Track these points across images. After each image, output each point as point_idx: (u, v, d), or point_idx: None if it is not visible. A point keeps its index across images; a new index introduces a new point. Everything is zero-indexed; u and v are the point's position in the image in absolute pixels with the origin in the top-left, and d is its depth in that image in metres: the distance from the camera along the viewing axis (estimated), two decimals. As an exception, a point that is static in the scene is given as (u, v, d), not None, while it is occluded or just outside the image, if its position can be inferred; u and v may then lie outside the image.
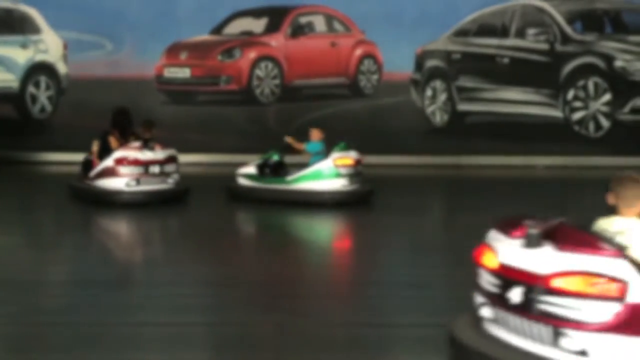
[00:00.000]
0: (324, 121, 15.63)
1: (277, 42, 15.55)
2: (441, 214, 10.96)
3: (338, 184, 9.96)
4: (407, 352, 4.84)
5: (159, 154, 10.14)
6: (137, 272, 6.95)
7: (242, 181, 10.46)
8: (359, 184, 10.16)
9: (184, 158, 15.20)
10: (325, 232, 9.32)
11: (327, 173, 9.87)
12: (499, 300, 3.58)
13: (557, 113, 15.20)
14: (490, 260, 3.72)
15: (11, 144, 15.19)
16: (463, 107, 15.55)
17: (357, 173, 10.16)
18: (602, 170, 14.77)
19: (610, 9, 15.45)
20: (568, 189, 12.98)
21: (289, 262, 7.30)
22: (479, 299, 3.80)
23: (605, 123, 15.13)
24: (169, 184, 10.09)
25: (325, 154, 10.25)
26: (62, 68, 15.66)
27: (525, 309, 3.38)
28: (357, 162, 10.14)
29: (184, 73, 15.54)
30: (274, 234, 9.09)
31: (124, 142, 10.27)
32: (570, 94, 15.07)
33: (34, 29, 15.58)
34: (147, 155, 9.97)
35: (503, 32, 15.36)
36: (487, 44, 15.43)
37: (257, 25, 15.78)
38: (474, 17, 15.46)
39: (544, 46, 15.13)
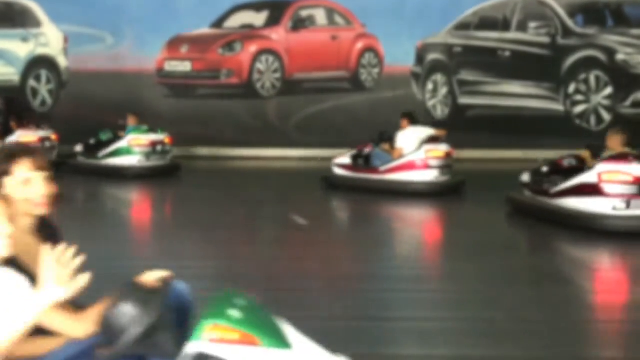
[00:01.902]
0: (325, 114, 15.69)
1: (278, 35, 15.53)
2: (441, 208, 10.95)
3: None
4: (409, 345, 4.85)
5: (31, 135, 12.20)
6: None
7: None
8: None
9: (186, 151, 15.28)
10: (322, 225, 9.33)
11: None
12: None
13: (558, 106, 15.19)
14: None
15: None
16: (464, 100, 15.54)
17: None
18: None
19: (611, 2, 15.42)
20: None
21: (289, 257, 7.30)
22: None
23: (606, 116, 15.12)
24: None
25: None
26: (62, 61, 15.65)
27: None
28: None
29: (185, 66, 15.53)
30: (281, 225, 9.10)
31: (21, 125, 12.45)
32: (572, 88, 15.06)
33: (35, 23, 15.57)
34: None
35: (504, 26, 15.33)
36: (489, 38, 15.41)
37: (258, 18, 15.77)
38: (475, 11, 15.44)
39: (546, 39, 15.11)
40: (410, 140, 10.42)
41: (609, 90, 14.96)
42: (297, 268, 6.61)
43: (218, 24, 15.75)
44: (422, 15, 15.50)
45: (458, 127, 15.57)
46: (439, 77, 15.63)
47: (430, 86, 15.66)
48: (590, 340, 5.03)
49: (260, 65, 15.48)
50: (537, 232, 8.25)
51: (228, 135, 15.47)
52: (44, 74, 15.64)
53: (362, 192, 10.44)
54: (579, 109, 15.16)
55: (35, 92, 15.62)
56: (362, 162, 10.74)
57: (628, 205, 7.49)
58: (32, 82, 15.61)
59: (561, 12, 15.09)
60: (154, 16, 15.55)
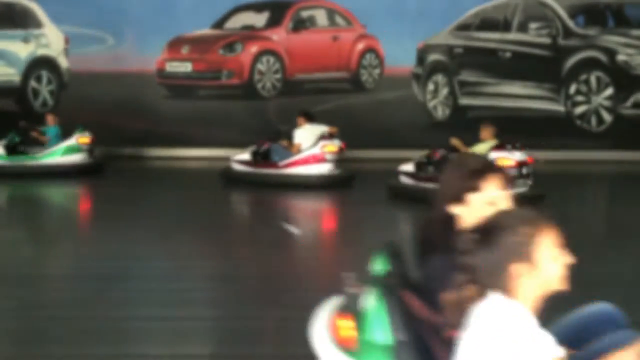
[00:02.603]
0: (326, 115, 15.68)
1: (279, 36, 15.53)
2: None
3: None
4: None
5: None
6: (137, 265, 6.94)
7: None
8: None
9: (186, 152, 15.28)
10: (322, 225, 9.32)
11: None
12: None
13: (559, 107, 15.18)
14: None
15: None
16: (465, 101, 15.53)
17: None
18: (604, 165, 14.78)
19: (612, 2, 15.42)
20: (569, 183, 12.95)
21: (290, 255, 7.30)
22: None
23: (607, 117, 15.11)
24: None
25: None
26: (63, 62, 15.65)
27: None
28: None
29: (186, 67, 15.53)
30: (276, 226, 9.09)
31: None
32: (573, 88, 15.05)
33: (36, 23, 15.57)
34: None
35: (505, 26, 15.33)
36: (489, 38, 15.41)
37: (259, 19, 15.76)
38: (476, 11, 15.44)
39: (546, 40, 15.10)
40: (307, 136, 11.15)
41: (609, 91, 14.95)
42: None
43: (219, 24, 15.75)
44: (422, 16, 15.49)
45: (459, 127, 15.56)
46: (439, 78, 15.63)
47: (431, 87, 15.65)
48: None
49: (261, 66, 15.48)
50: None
51: (228, 136, 15.45)
52: (44, 74, 15.64)
53: (262, 186, 11.04)
54: (579, 109, 15.16)
55: (36, 93, 15.62)
56: (260, 157, 11.35)
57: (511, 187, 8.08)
58: (33, 83, 15.61)
59: (562, 13, 15.09)
60: (154, 17, 15.55)
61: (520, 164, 9.24)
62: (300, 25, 15.66)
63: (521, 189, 9.07)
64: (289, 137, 11.45)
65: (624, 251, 7.57)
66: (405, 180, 10.16)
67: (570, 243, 6.95)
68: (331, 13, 15.80)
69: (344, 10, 15.73)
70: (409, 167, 10.11)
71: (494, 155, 9.05)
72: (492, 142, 9.71)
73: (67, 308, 5.48)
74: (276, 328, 5.26)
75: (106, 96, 15.38)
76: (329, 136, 11.19)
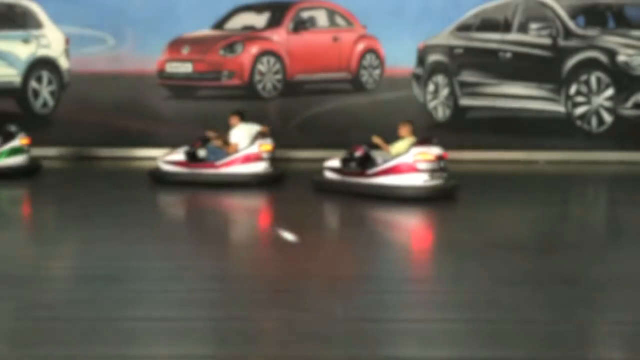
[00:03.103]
0: (326, 116, 15.68)
1: (279, 37, 15.53)
2: (443, 209, 10.95)
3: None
4: (409, 347, 4.84)
5: None
6: (136, 266, 6.94)
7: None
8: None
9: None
10: (321, 226, 9.33)
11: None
12: None
13: (559, 108, 15.17)
14: None
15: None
16: (465, 102, 15.53)
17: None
18: (604, 165, 14.78)
19: (613, 3, 15.41)
20: (570, 183, 12.96)
21: (292, 257, 7.30)
22: None
23: (607, 118, 15.10)
24: None
25: None
26: (64, 63, 15.65)
27: None
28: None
29: (186, 68, 15.53)
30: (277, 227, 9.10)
31: None
32: (573, 89, 15.04)
33: (36, 24, 15.57)
34: None
35: (505, 27, 15.32)
36: (490, 39, 15.40)
37: (259, 20, 15.76)
38: (477, 12, 15.43)
39: (547, 41, 15.10)
40: (243, 136, 11.38)
41: (610, 92, 14.94)
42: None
43: (219, 25, 15.74)
44: (423, 17, 15.48)
45: (459, 128, 15.57)
46: (440, 79, 15.62)
47: (431, 87, 15.64)
48: (591, 341, 5.03)
49: (261, 67, 15.47)
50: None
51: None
52: (45, 75, 15.63)
53: (196, 186, 11.12)
54: (580, 110, 15.14)
55: (36, 94, 15.61)
56: (190, 157, 11.41)
57: (431, 178, 9.85)
58: (33, 84, 15.60)
59: (562, 13, 15.08)
60: (155, 17, 15.54)
61: (438, 158, 10.01)
62: (300, 25, 15.66)
63: (438, 181, 9.97)
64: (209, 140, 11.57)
65: (624, 251, 7.57)
66: (330, 175, 10.77)
67: (570, 243, 6.95)
68: (331, 14, 15.80)
69: (345, 10, 15.73)
70: (334, 163, 10.73)
71: (416, 150, 9.86)
72: (411, 139, 10.27)
73: (64, 308, 5.49)
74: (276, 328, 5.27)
75: (107, 97, 15.38)
76: (263, 135, 11.47)
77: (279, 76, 15.56)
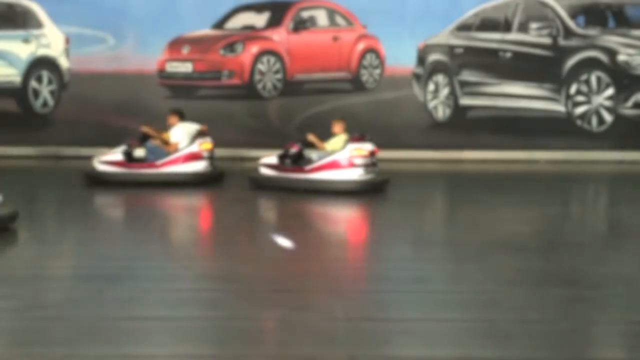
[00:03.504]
0: (326, 116, 15.67)
1: (279, 36, 15.53)
2: (443, 209, 10.96)
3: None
4: (410, 346, 4.84)
5: None
6: (138, 265, 6.94)
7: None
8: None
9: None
10: (327, 225, 9.32)
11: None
12: None
13: (559, 107, 15.17)
14: None
15: (13, 139, 15.20)
16: (465, 101, 15.53)
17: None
18: (605, 165, 14.78)
19: (613, 3, 15.40)
20: (570, 183, 12.95)
21: (291, 256, 7.30)
22: None
23: (607, 117, 15.10)
24: None
25: None
26: (64, 62, 15.65)
27: None
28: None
29: (186, 67, 15.53)
30: (280, 225, 9.09)
31: None
32: (573, 88, 15.04)
33: (36, 24, 15.57)
34: None
35: (506, 27, 15.32)
36: (490, 38, 15.40)
37: (259, 19, 15.76)
38: (477, 11, 15.43)
39: (547, 40, 15.09)
40: (183, 135, 11.39)
41: (610, 91, 14.94)
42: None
43: (219, 25, 15.73)
44: (423, 16, 15.48)
45: (459, 128, 15.57)
46: (440, 78, 15.62)
47: (431, 87, 15.64)
48: (592, 341, 5.03)
49: (261, 66, 15.47)
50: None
51: (229, 136, 15.44)
52: (45, 75, 15.62)
53: (136, 186, 11.01)
54: (580, 109, 15.14)
55: (36, 93, 15.61)
56: (128, 157, 11.31)
57: (365, 172, 10.55)
58: (33, 83, 15.60)
59: (562, 13, 15.08)
60: (155, 17, 15.54)
61: (371, 154, 10.66)
62: (300, 25, 15.65)
63: (371, 176, 10.64)
64: (146, 138, 11.52)
65: (624, 251, 7.57)
66: (266, 172, 11.09)
67: (570, 242, 6.93)
68: (332, 13, 15.80)
69: (345, 10, 15.72)
70: (271, 159, 11.08)
71: (352, 146, 10.52)
72: (344, 136, 10.87)
73: (65, 308, 5.49)
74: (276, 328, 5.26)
75: (107, 96, 15.38)
76: (202, 134, 11.51)
77: (279, 76, 15.55)
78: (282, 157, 11.11)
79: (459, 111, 15.54)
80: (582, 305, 5.61)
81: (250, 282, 6.28)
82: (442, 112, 15.61)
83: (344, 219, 9.65)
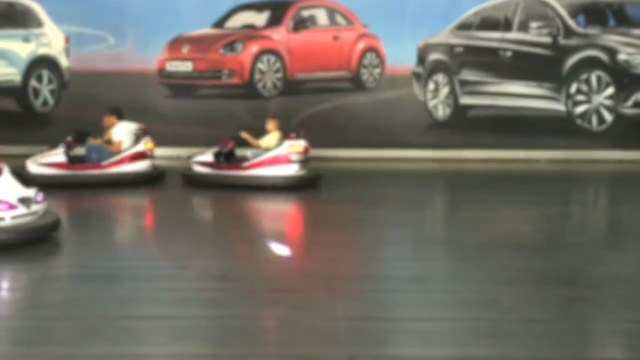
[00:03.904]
0: (326, 115, 15.68)
1: (279, 35, 15.53)
2: (443, 208, 10.96)
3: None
4: (410, 346, 4.84)
5: None
6: (137, 264, 6.95)
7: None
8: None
9: (188, 151, 15.24)
10: (325, 226, 9.32)
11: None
12: None
13: (559, 106, 15.17)
14: None
15: (13, 138, 15.19)
16: (465, 100, 15.53)
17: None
18: (605, 164, 14.79)
19: (613, 2, 15.40)
20: (570, 182, 12.96)
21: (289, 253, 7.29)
22: None
23: (608, 117, 15.10)
24: None
25: None
26: (64, 62, 15.65)
27: None
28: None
29: (186, 67, 15.53)
30: (260, 224, 9.09)
31: None
32: (573, 88, 15.04)
33: (36, 23, 15.57)
34: None
35: (506, 26, 15.32)
36: (490, 38, 15.40)
37: (259, 18, 15.76)
38: (477, 11, 15.43)
39: (547, 39, 15.09)
40: (125, 134, 11.43)
41: (610, 91, 14.94)
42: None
43: (219, 24, 15.74)
44: (423, 16, 15.48)
45: (459, 127, 15.57)
46: (440, 77, 15.62)
47: (431, 86, 15.64)
48: (592, 340, 5.03)
49: (261, 66, 15.47)
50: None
51: (229, 136, 15.43)
52: (45, 74, 15.63)
53: (80, 187, 10.80)
54: (580, 109, 15.14)
55: (36, 92, 15.61)
56: (70, 158, 11.13)
57: (300, 168, 10.97)
58: (33, 83, 15.60)
59: (563, 12, 15.08)
60: (155, 16, 15.54)
61: (305, 150, 11.06)
62: (300, 24, 15.65)
63: (305, 171, 11.08)
64: (86, 137, 11.43)
65: (624, 250, 7.57)
66: (201, 169, 11.28)
67: (570, 242, 6.91)
68: (332, 12, 15.80)
69: (345, 9, 15.72)
70: (206, 157, 11.30)
71: (288, 143, 10.95)
72: (278, 133, 11.33)
73: (65, 307, 5.49)
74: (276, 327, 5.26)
75: (107, 95, 15.37)
76: (144, 132, 11.58)
77: (279, 75, 15.55)
78: (217, 155, 11.33)
79: (459, 110, 15.54)
80: (582, 305, 5.61)
81: (249, 281, 6.28)
82: (442, 112, 15.61)
83: (353, 220, 9.65)
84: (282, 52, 15.50)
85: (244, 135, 11.43)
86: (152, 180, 11.49)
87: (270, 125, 11.50)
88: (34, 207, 7.37)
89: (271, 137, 11.37)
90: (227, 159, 11.35)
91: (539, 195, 11.02)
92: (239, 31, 15.60)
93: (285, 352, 4.68)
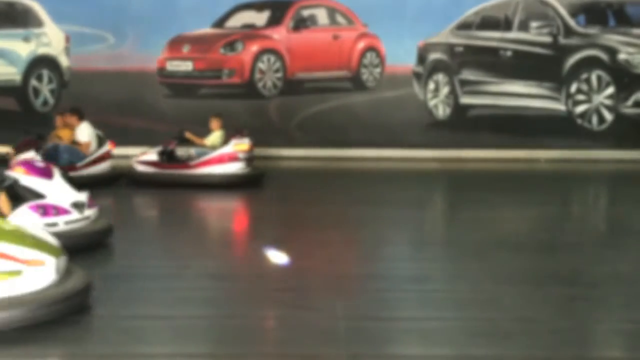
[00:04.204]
0: (326, 114, 15.69)
1: (280, 35, 15.53)
2: (444, 208, 10.96)
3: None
4: (410, 345, 4.84)
5: None
6: (138, 264, 6.94)
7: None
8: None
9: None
10: (324, 225, 9.32)
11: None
12: None
13: (560, 106, 15.17)
14: None
15: (13, 138, 15.18)
16: (465, 100, 15.53)
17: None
18: (605, 164, 14.79)
19: (613, 1, 15.40)
20: (570, 182, 12.96)
21: (289, 253, 7.29)
22: None
23: (608, 116, 15.10)
24: None
25: None
26: (64, 61, 15.65)
27: None
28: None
29: (187, 66, 15.53)
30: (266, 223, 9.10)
31: None
32: (574, 87, 15.04)
33: (36, 22, 15.57)
34: None
35: (506, 25, 15.32)
36: (490, 37, 15.40)
37: (260, 18, 15.76)
38: (477, 10, 15.43)
39: (547, 39, 15.09)
40: (91, 134, 11.52)
41: (610, 90, 14.94)
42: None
43: (219, 23, 15.73)
44: (423, 15, 15.48)
45: (460, 126, 15.56)
46: (440, 77, 15.62)
47: (431, 86, 15.64)
48: (591, 340, 5.03)
49: (261, 65, 15.47)
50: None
51: (229, 135, 15.43)
52: (45, 73, 15.63)
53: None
54: (580, 108, 15.14)
55: (37, 92, 15.61)
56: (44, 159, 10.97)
57: (245, 166, 11.25)
58: (33, 82, 15.60)
59: (563, 11, 15.07)
60: (155, 16, 15.53)
61: (250, 148, 11.37)
62: (301, 24, 15.65)
63: (249, 169, 11.35)
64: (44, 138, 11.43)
65: (624, 250, 7.57)
66: (144, 169, 11.35)
67: (570, 241, 6.90)
68: (332, 12, 15.80)
69: (345, 9, 15.72)
70: (150, 157, 11.39)
71: (234, 141, 11.21)
72: (221, 132, 11.61)
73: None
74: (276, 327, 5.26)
75: (107, 95, 15.38)
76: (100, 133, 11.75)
77: (279, 74, 15.55)
78: (161, 154, 11.40)
79: (459, 110, 15.54)
80: (582, 304, 5.61)
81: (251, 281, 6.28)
82: (442, 111, 15.61)
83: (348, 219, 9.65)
84: (282, 51, 15.50)
85: (188, 135, 11.57)
86: (112, 181, 11.28)
87: (214, 123, 11.70)
88: (87, 212, 7.20)
89: (215, 136, 11.60)
90: (169, 158, 11.42)
91: (539, 195, 11.02)
92: (239, 31, 15.60)
93: (285, 352, 4.69)
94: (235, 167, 11.19)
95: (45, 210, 6.86)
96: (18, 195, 7.02)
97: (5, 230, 5.30)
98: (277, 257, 6.91)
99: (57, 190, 7.21)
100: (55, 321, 4.95)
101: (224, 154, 11.18)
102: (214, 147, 11.35)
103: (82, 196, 7.28)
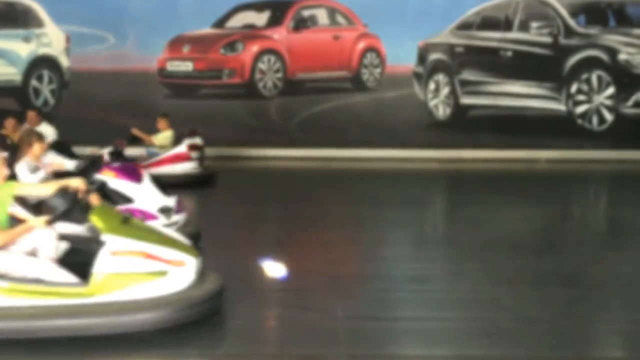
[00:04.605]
0: (327, 114, 15.69)
1: (280, 35, 15.53)
2: (444, 208, 10.96)
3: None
4: (410, 345, 4.84)
5: None
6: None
7: None
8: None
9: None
10: (324, 226, 9.32)
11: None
12: None
13: (560, 106, 15.18)
14: None
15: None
16: (466, 100, 15.53)
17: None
18: (605, 164, 14.78)
19: (613, 2, 15.40)
20: (570, 182, 12.95)
21: (290, 254, 7.29)
22: None
23: (608, 116, 15.10)
24: None
25: None
26: (64, 61, 15.66)
27: None
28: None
29: (187, 66, 15.54)
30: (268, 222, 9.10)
31: None
32: (574, 87, 15.04)
33: (37, 23, 15.58)
34: None
35: (506, 25, 15.32)
36: (490, 37, 15.40)
37: (260, 18, 15.76)
38: (477, 10, 15.43)
39: (548, 39, 15.10)
40: (50, 135, 11.33)
41: (611, 90, 14.94)
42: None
43: (220, 23, 15.74)
44: (424, 15, 15.48)
45: (460, 127, 15.57)
46: (440, 77, 15.62)
47: (432, 86, 15.65)
48: (591, 340, 5.03)
49: (262, 65, 15.47)
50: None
51: (230, 135, 15.45)
52: (46, 74, 15.64)
53: None
54: (581, 108, 15.15)
55: (37, 92, 15.63)
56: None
57: (198, 165, 11.41)
58: (34, 82, 15.62)
59: (563, 11, 15.08)
60: (156, 16, 15.55)
61: (202, 148, 11.51)
62: (301, 24, 15.65)
63: (201, 168, 11.49)
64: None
65: (623, 250, 7.57)
66: None
67: (570, 242, 6.89)
68: (332, 12, 15.80)
69: (346, 9, 15.73)
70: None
71: (188, 141, 11.34)
72: (169, 131, 11.61)
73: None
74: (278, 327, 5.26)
75: (107, 95, 15.39)
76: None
77: (279, 75, 15.56)
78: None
79: (459, 110, 15.54)
80: (582, 305, 5.61)
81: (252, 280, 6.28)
82: (442, 111, 15.61)
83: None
84: (282, 51, 15.50)
85: (135, 131, 11.45)
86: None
87: (162, 123, 11.67)
88: (175, 217, 7.04)
89: (164, 136, 11.58)
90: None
91: (539, 195, 11.02)
92: (239, 31, 15.61)
93: (285, 352, 4.69)
94: (188, 167, 11.23)
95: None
96: (107, 198, 6.79)
97: (144, 230, 5.21)
98: (274, 269, 6.61)
99: (146, 194, 7.11)
100: (194, 323, 4.90)
101: (177, 154, 11.22)
102: (162, 147, 11.37)
103: (171, 201, 7.13)
